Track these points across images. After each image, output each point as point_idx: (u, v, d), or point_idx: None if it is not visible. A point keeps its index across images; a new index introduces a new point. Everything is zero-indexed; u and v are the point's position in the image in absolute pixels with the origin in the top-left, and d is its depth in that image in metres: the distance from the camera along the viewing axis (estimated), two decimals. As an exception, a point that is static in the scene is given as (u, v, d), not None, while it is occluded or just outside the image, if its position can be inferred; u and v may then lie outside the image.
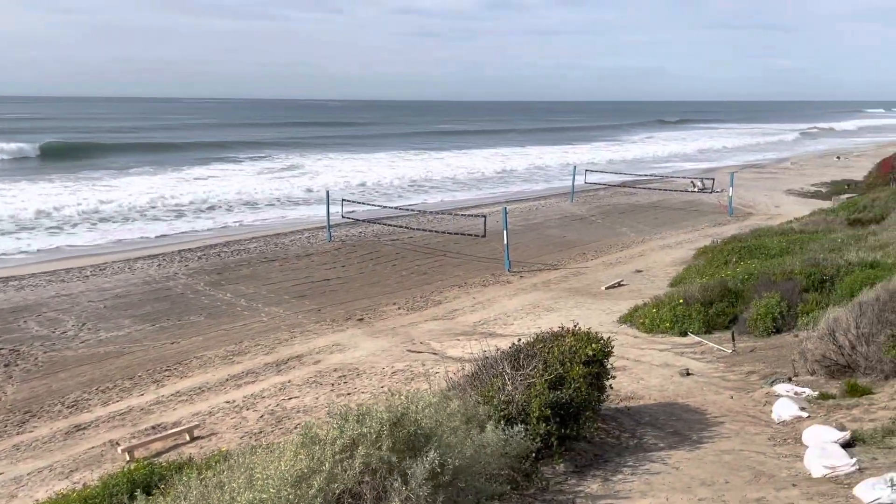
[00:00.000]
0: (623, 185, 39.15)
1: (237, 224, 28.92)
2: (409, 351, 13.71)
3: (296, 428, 10.18)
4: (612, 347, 6.85)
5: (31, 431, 10.74)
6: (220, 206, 32.19)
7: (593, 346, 6.42)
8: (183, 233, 26.92)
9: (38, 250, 23.15)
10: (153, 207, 31.27)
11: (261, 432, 10.13)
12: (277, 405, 11.22)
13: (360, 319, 16.13)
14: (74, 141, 63.44)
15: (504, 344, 7.76)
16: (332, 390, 11.81)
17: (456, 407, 4.73)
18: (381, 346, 14.25)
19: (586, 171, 38.75)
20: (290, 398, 11.54)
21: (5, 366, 13.17)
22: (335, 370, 12.85)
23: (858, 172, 41.64)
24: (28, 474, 9.47)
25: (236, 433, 10.21)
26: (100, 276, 19.59)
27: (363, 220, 27.45)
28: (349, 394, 11.60)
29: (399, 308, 17.01)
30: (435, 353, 13.48)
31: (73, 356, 13.75)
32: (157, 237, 25.85)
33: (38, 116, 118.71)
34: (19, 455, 10.00)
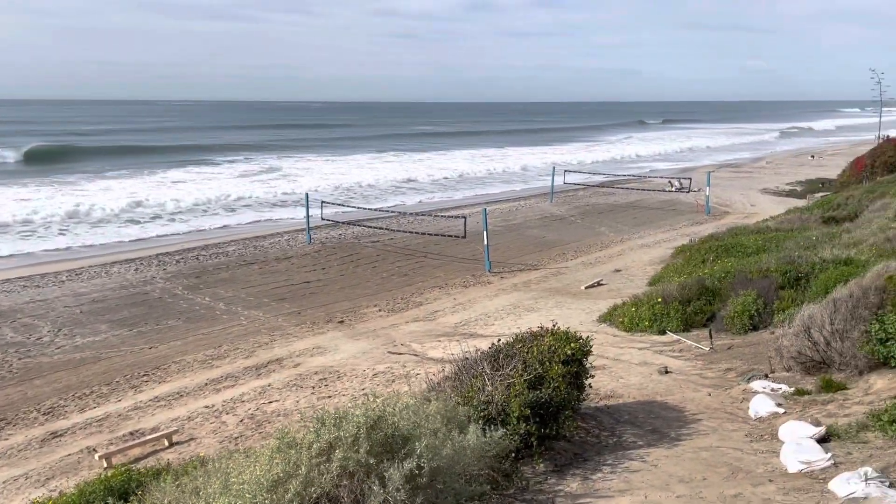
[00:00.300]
0: (602, 185, 39.41)
1: (215, 227, 28.68)
2: (389, 353, 13.68)
3: (276, 432, 10.12)
4: (591, 346, 6.89)
5: (6, 439, 10.56)
6: (198, 210, 31.90)
7: (572, 345, 6.45)
8: (160, 236, 26.66)
9: (11, 255, 22.79)
10: (130, 211, 30.90)
11: (240, 437, 10.06)
12: (257, 409, 11.15)
13: (341, 322, 16.07)
14: (59, 144, 62.52)
15: (485, 344, 7.78)
16: (312, 393, 11.76)
17: (435, 408, 4.73)
18: (362, 348, 14.21)
19: (565, 171, 38.94)
20: (270, 402, 11.47)
21: (-22, 373, 12.95)
22: (316, 373, 12.79)
23: (833, 171, 42.29)
24: (3, 482, 9.32)
25: (216, 438, 10.12)
26: (76, 281, 19.33)
27: (343, 223, 27.36)
28: (330, 396, 11.55)
29: (380, 310, 16.97)
30: (416, 355, 13.47)
31: (48, 362, 13.55)
32: (133, 241, 25.56)
33: (15, 120, 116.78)
34: (-6, 464, 9.84)
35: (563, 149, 71.02)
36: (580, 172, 41.95)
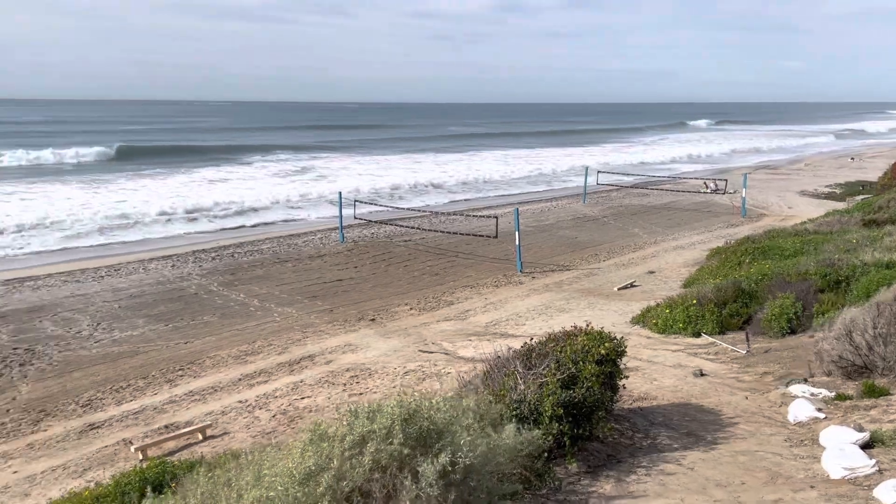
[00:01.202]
0: (635, 186, 38.96)
1: (250, 225, 29.08)
2: (420, 351, 13.69)
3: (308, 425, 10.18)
4: (625, 347, 6.79)
5: (46, 430, 10.80)
6: (232, 208, 32.28)
7: (606, 345, 6.36)
8: (195, 233, 27.11)
9: (52, 251, 23.39)
10: (167, 208, 31.40)
11: (273, 432, 10.15)
12: (290, 405, 11.23)
13: (373, 320, 16.13)
14: (140, 145, 63.81)
15: (517, 344, 7.72)
16: (344, 390, 11.82)
17: (470, 404, 4.68)
18: (393, 346, 14.24)
19: (598, 172, 38.59)
20: (302, 398, 11.55)
21: (20, 365, 13.27)
22: (347, 370, 12.86)
23: (873, 173, 41.22)
24: (42, 473, 9.52)
25: (248, 432, 10.23)
26: (114, 277, 19.72)
27: (375, 222, 27.48)
28: (361, 393, 11.59)
29: (411, 308, 16.99)
30: (447, 354, 13.45)
31: (87, 356, 13.83)
32: (168, 237, 26.03)
33: (60, 120, 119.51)
34: (33, 454, 10.06)
35: (596, 150, 70.45)
36: (613, 173, 41.54)
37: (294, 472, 3.79)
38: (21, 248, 23.79)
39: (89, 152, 56.43)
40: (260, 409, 11.21)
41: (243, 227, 28.81)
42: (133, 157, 56.54)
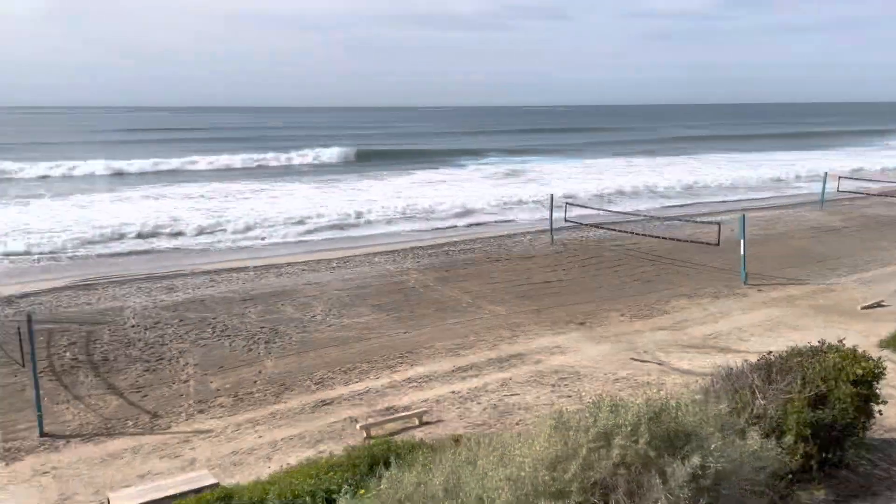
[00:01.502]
0: (885, 193, 34.48)
1: (463, 225, 30.24)
2: (632, 359, 13.28)
3: (518, 423, 10.32)
4: (884, 369, 6.01)
5: (285, 402, 12.02)
6: (446, 209, 33.59)
7: (862, 364, 5.68)
8: (414, 231, 28.78)
9: (290, 242, 26.18)
10: (390, 208, 33.54)
11: (484, 424, 10.42)
12: (499, 400, 11.46)
13: (581, 323, 15.94)
14: (376, 148, 70.05)
15: (739, 360, 7.18)
16: (552, 391, 11.81)
17: (721, 409, 4.43)
18: (603, 351, 13.96)
19: (839, 178, 34.72)
20: (511, 394, 11.73)
21: (266, 342, 14.93)
22: (555, 371, 12.83)
23: None
24: (281, 440, 10.61)
25: (461, 422, 10.60)
26: (344, 268, 21.50)
27: (586, 225, 27.14)
28: (569, 396, 11.51)
29: (622, 315, 16.53)
30: (660, 364, 12.91)
31: (320, 338, 15.21)
32: (388, 234, 27.91)
33: (304, 125, 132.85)
34: (275, 422, 11.25)
35: (837, 153, 63.49)
36: (857, 179, 37.14)
37: (542, 456, 3.84)
38: (263, 239, 26.83)
39: (330, 153, 62.00)
40: (471, 401, 11.57)
41: (455, 226, 29.99)
42: (365, 160, 61.06)
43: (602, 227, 26.55)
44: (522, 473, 3.67)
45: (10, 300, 17.56)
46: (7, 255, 23.16)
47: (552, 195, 27.19)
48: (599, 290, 18.91)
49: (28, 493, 9.11)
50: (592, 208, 29.50)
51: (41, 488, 9.19)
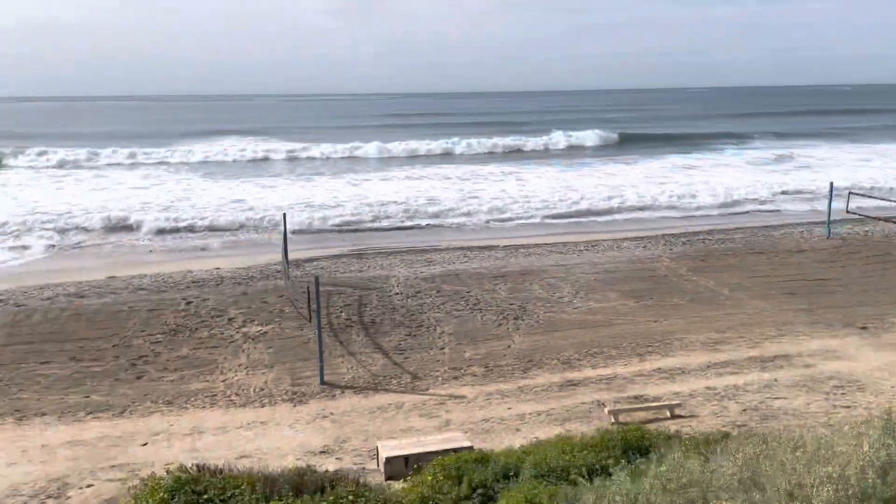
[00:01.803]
0: None
1: (718, 214, 28.40)
2: (929, 374, 11.49)
3: (784, 429, 9.49)
4: None
5: (532, 378, 12.31)
6: (699, 196, 31.61)
7: None
8: (663, 218, 27.63)
9: (535, 224, 26.60)
10: (639, 193, 32.45)
11: (743, 425, 9.73)
12: (762, 402, 10.64)
13: (863, 328, 14.14)
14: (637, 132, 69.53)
15: None
16: (826, 399, 10.68)
17: None
18: (888, 361, 12.27)
19: None
20: (775, 398, 10.82)
21: (515, 319, 15.37)
22: (830, 378, 11.57)
23: None
24: (529, 414, 10.90)
25: (717, 420, 10.02)
26: (591, 252, 21.33)
27: (872, 218, 23.87)
28: (848, 407, 10.33)
29: (916, 322, 14.35)
30: (968, 383, 11.00)
31: (566, 319, 15.29)
32: (636, 220, 27.05)
33: (564, 109, 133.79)
34: (522, 396, 11.57)
35: None
36: None
37: (873, 458, 3.50)
38: (511, 220, 27.51)
39: (581, 136, 61.69)
40: (729, 399, 10.88)
41: (709, 215, 28.22)
42: (618, 144, 59.76)
43: (892, 221, 23.18)
44: (849, 473, 3.33)
45: (298, 263, 20.10)
46: (293, 225, 26.53)
47: (832, 183, 24.29)
48: (884, 293, 16.61)
49: (312, 431, 10.43)
50: (880, 199, 25.84)
51: (322, 430, 10.47)
